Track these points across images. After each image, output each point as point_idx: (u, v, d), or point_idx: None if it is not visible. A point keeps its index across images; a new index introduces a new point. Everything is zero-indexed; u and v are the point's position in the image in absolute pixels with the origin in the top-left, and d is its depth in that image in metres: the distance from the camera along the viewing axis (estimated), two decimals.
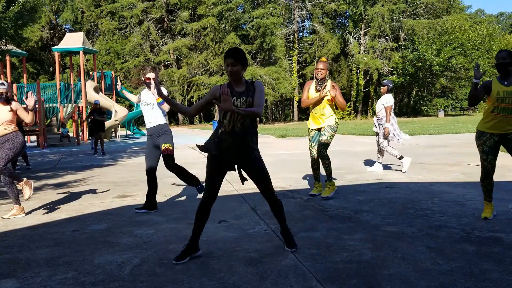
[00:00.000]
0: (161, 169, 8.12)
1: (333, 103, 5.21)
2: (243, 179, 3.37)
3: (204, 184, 3.98)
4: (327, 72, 5.15)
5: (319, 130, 5.23)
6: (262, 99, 3.15)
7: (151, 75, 4.63)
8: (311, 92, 5.21)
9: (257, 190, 5.83)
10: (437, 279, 2.70)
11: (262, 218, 4.35)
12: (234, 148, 3.12)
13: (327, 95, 5.05)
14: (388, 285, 2.64)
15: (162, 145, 4.66)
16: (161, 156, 4.79)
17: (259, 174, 3.28)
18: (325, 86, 5.05)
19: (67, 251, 3.46)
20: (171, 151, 4.71)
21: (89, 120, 12.67)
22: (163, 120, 4.77)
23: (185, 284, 2.73)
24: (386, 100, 6.98)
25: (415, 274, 2.79)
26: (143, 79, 4.76)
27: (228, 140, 3.09)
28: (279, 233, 3.50)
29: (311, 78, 32.50)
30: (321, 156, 5.09)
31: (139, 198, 5.59)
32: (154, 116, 4.73)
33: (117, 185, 6.71)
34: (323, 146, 5.07)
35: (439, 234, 3.65)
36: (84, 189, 6.37)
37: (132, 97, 5.34)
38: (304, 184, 6.19)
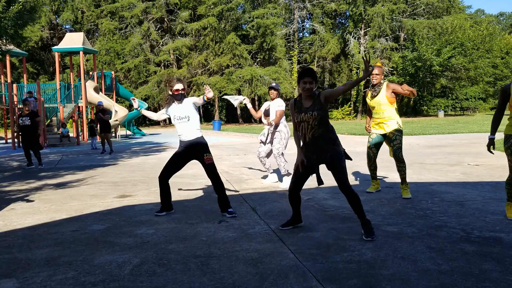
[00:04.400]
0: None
1: (394, 104, 5.22)
2: (319, 181, 3.77)
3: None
4: (382, 76, 5.16)
5: (382, 134, 5.26)
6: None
7: (179, 86, 4.49)
8: (368, 100, 5.29)
9: (257, 190, 5.86)
10: (437, 279, 2.70)
11: (262, 218, 4.35)
12: (313, 152, 3.67)
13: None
14: (388, 285, 2.64)
15: (205, 155, 4.54)
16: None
17: (337, 170, 3.64)
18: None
19: (67, 251, 3.46)
20: (212, 160, 4.61)
21: (89, 120, 12.75)
22: (200, 133, 4.64)
23: (185, 284, 2.73)
24: (279, 104, 6.25)
25: (415, 274, 2.79)
26: (170, 93, 4.55)
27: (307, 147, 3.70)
28: (278, 233, 3.50)
29: None
30: (398, 159, 5.16)
31: (139, 198, 5.59)
32: (191, 129, 4.54)
33: (117, 185, 6.71)
34: (399, 150, 5.17)
35: (439, 234, 3.65)
36: (84, 189, 6.37)
37: (153, 115, 5.01)
38: (305, 184, 6.18)
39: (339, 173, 3.58)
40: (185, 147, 4.57)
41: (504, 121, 4.22)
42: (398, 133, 5.13)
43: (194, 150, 4.56)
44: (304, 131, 3.63)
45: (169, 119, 4.98)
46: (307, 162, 3.69)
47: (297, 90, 3.69)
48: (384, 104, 5.12)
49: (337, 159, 3.62)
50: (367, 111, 5.54)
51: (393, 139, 5.13)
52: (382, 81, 5.19)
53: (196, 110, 4.65)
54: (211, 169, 4.54)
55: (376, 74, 5.09)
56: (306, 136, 3.64)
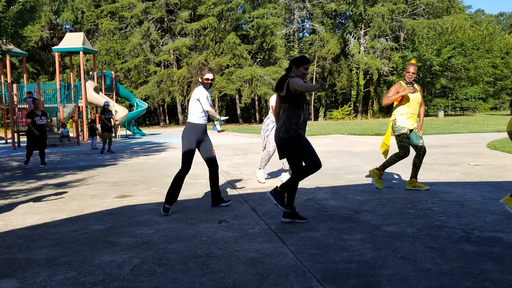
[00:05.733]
0: (163, 170, 8.12)
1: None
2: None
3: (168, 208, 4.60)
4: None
5: (410, 130, 5.44)
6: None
7: (209, 75, 4.67)
8: (409, 94, 5.35)
9: (257, 190, 5.87)
10: (437, 279, 2.70)
11: (262, 218, 4.35)
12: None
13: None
14: (388, 285, 2.64)
15: (212, 147, 4.82)
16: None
17: None
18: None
19: (67, 251, 3.46)
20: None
21: (89, 120, 12.78)
22: None
23: (185, 284, 2.73)
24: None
25: (415, 274, 2.79)
26: (200, 80, 4.71)
27: (304, 125, 3.95)
28: (278, 233, 3.50)
29: (311, 79, 32.10)
30: (423, 155, 5.47)
31: (139, 198, 5.59)
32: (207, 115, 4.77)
33: (117, 185, 6.71)
34: (424, 148, 5.49)
35: (439, 234, 3.65)
36: (84, 189, 6.37)
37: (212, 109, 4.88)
38: (304, 184, 6.18)
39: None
40: (202, 130, 4.72)
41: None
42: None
43: (204, 134, 4.78)
44: (304, 107, 3.91)
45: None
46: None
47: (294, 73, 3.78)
48: (419, 102, 5.44)
49: None
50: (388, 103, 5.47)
51: (420, 137, 5.46)
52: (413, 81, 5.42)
53: None
54: (215, 162, 4.81)
55: (413, 73, 5.28)
56: (307, 111, 3.96)
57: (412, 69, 5.26)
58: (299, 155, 3.90)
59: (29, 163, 9.46)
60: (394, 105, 5.50)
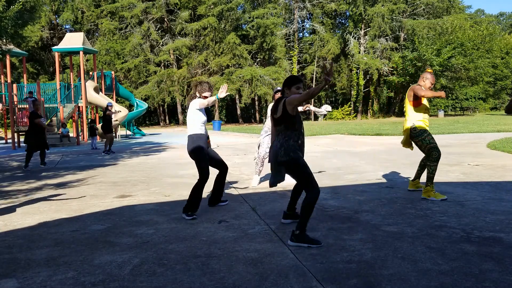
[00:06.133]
0: (163, 170, 8.11)
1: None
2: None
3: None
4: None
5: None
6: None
7: (208, 94, 4.75)
8: (426, 101, 5.32)
9: (257, 190, 5.86)
10: (437, 279, 2.70)
11: (262, 218, 4.35)
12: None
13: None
14: (388, 285, 2.64)
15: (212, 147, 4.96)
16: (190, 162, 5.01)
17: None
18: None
19: (67, 251, 3.46)
20: None
21: (89, 120, 12.80)
22: None
23: (185, 284, 2.73)
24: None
25: (415, 274, 2.79)
26: (198, 95, 4.78)
27: (302, 145, 3.83)
28: (278, 233, 3.50)
29: (311, 79, 32.06)
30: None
31: (139, 198, 5.59)
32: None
33: (117, 185, 6.71)
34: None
35: (439, 234, 3.65)
36: (84, 189, 6.37)
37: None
38: None
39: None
40: (205, 139, 4.76)
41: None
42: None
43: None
44: (300, 128, 3.78)
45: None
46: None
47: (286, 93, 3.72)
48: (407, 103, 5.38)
49: None
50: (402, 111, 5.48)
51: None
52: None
53: None
54: (223, 161, 4.92)
55: (432, 83, 5.26)
56: (302, 132, 3.83)
57: (433, 79, 5.22)
58: (301, 178, 3.64)
59: (29, 165, 9.45)
60: (407, 110, 5.29)
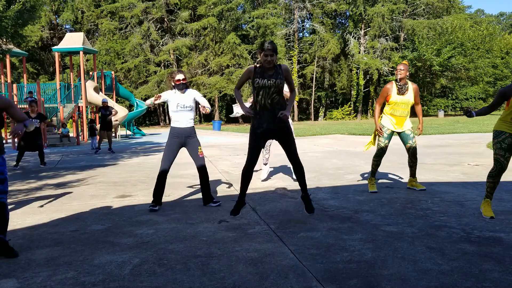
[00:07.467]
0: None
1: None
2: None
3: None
4: (407, 73, 5.32)
5: (399, 132, 5.44)
6: (292, 79, 4.11)
7: (180, 76, 4.78)
8: (394, 97, 5.32)
9: (257, 190, 5.86)
10: (437, 279, 2.70)
11: (262, 218, 4.35)
12: (267, 121, 3.93)
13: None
14: (388, 285, 2.64)
15: (199, 149, 4.95)
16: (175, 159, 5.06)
17: (288, 141, 4.04)
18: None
19: (67, 251, 3.46)
20: (203, 153, 5.10)
21: (89, 120, 12.81)
22: (193, 122, 5.02)
23: (185, 284, 2.73)
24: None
25: (415, 274, 2.79)
26: (173, 84, 4.85)
27: (263, 114, 3.93)
28: (278, 233, 3.50)
29: (311, 79, 32.15)
30: (415, 155, 5.45)
31: (139, 198, 5.59)
32: (189, 118, 4.89)
33: (117, 185, 6.71)
34: (415, 149, 5.45)
35: (439, 234, 3.65)
36: (84, 189, 6.37)
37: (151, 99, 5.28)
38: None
39: (291, 145, 4.02)
40: (179, 134, 4.87)
41: (477, 117, 4.32)
42: (413, 132, 5.50)
43: (187, 138, 4.90)
44: (264, 96, 3.90)
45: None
46: (261, 133, 3.97)
47: (259, 59, 3.99)
48: (411, 103, 5.39)
49: (289, 132, 4.03)
50: (376, 110, 5.50)
51: (412, 137, 5.41)
52: (407, 80, 5.36)
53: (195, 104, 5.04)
54: (202, 162, 4.97)
55: (401, 70, 5.26)
56: (265, 101, 3.90)
57: (400, 66, 5.28)
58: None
59: (19, 165, 9.45)
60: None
